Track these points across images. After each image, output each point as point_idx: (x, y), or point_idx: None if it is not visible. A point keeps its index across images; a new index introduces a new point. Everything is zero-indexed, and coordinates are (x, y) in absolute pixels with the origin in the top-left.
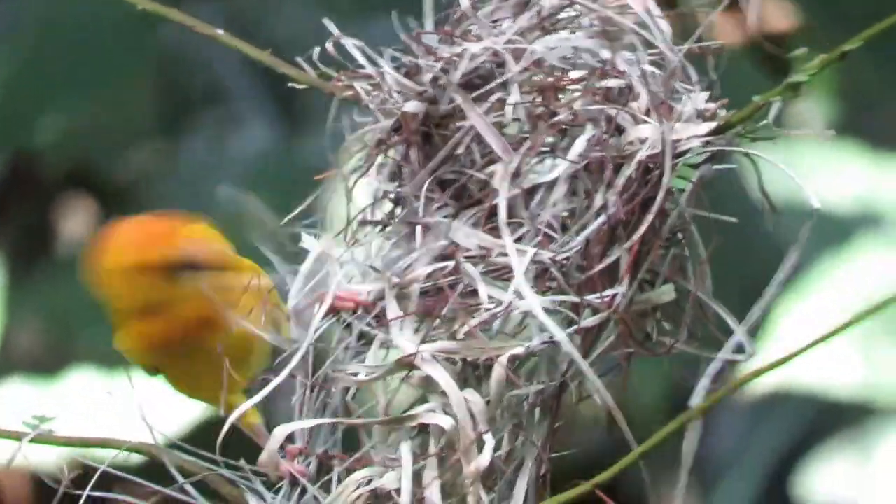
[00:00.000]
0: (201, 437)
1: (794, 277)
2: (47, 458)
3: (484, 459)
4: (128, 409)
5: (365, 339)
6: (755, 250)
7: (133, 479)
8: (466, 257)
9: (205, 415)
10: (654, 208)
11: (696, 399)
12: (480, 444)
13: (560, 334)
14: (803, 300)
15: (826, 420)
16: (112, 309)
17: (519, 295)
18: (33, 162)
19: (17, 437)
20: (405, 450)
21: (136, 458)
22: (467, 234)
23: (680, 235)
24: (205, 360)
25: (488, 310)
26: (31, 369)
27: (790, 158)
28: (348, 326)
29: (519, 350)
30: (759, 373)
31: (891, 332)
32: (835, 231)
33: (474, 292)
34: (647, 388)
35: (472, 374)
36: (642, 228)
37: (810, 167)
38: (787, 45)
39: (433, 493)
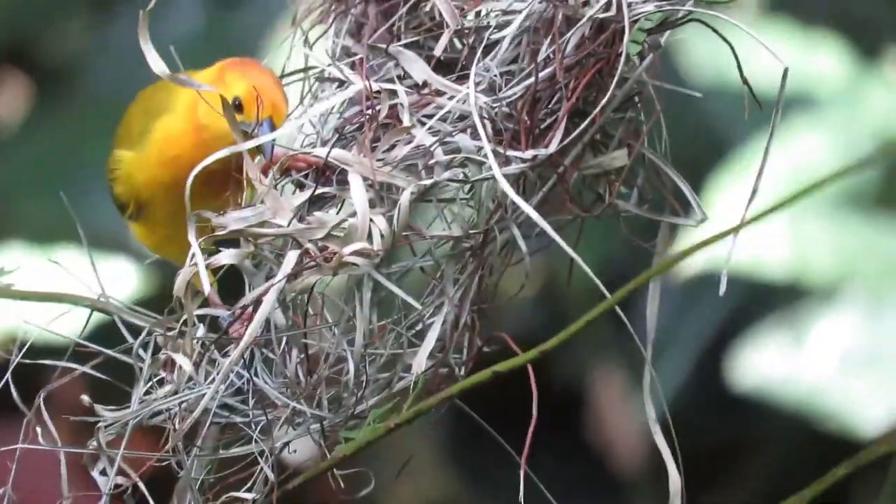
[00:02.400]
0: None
1: (726, 158)
2: None
3: (350, 249)
4: (68, 281)
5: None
6: (681, 129)
7: (82, 344)
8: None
9: (148, 290)
10: (600, 64)
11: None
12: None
13: (495, 167)
14: (736, 180)
15: (757, 300)
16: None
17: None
18: None
19: None
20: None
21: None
22: (418, 67)
23: (637, 100)
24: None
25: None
26: None
27: (730, 40)
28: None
29: (427, 181)
30: (701, 245)
31: (819, 212)
32: (766, 111)
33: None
34: (580, 270)
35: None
36: (584, 81)
37: (741, 47)
38: None
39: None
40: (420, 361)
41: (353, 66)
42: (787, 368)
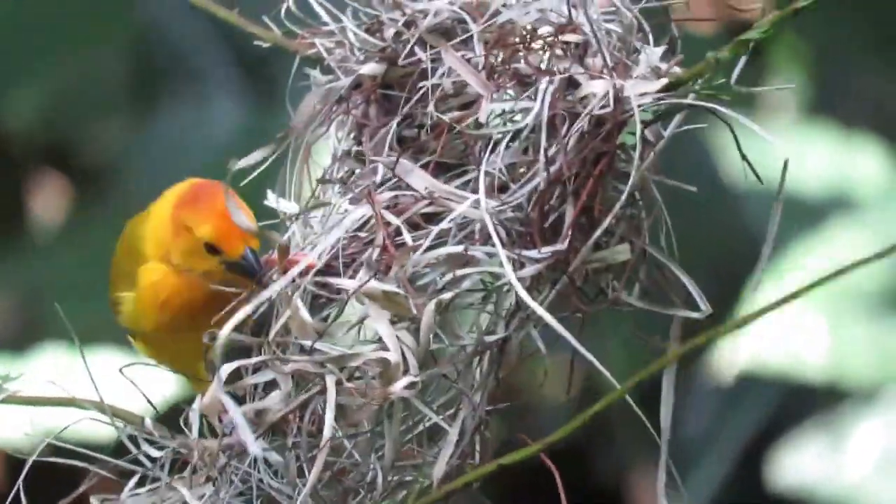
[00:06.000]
0: (166, 420)
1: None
2: (14, 434)
3: (398, 387)
4: (98, 386)
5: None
6: (719, 231)
7: (99, 457)
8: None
9: (172, 398)
10: (605, 162)
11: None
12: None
13: (510, 271)
14: (775, 284)
15: (796, 403)
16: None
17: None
18: (5, 140)
19: None
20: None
21: (100, 436)
22: (417, 175)
23: (637, 196)
24: (197, 336)
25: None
26: (3, 346)
27: (760, 139)
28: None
29: (447, 295)
30: (732, 327)
31: (858, 314)
32: (806, 214)
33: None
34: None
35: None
36: (591, 181)
37: (781, 148)
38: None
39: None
40: (439, 470)
41: (353, 171)
42: (826, 469)
